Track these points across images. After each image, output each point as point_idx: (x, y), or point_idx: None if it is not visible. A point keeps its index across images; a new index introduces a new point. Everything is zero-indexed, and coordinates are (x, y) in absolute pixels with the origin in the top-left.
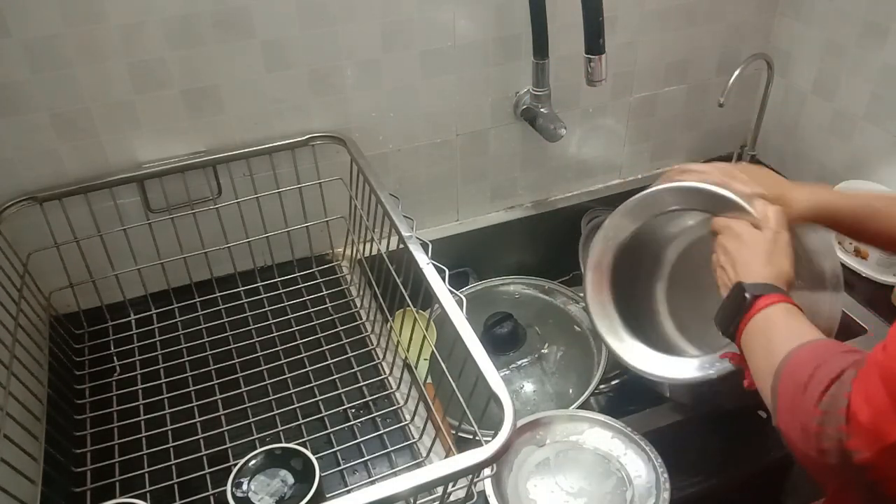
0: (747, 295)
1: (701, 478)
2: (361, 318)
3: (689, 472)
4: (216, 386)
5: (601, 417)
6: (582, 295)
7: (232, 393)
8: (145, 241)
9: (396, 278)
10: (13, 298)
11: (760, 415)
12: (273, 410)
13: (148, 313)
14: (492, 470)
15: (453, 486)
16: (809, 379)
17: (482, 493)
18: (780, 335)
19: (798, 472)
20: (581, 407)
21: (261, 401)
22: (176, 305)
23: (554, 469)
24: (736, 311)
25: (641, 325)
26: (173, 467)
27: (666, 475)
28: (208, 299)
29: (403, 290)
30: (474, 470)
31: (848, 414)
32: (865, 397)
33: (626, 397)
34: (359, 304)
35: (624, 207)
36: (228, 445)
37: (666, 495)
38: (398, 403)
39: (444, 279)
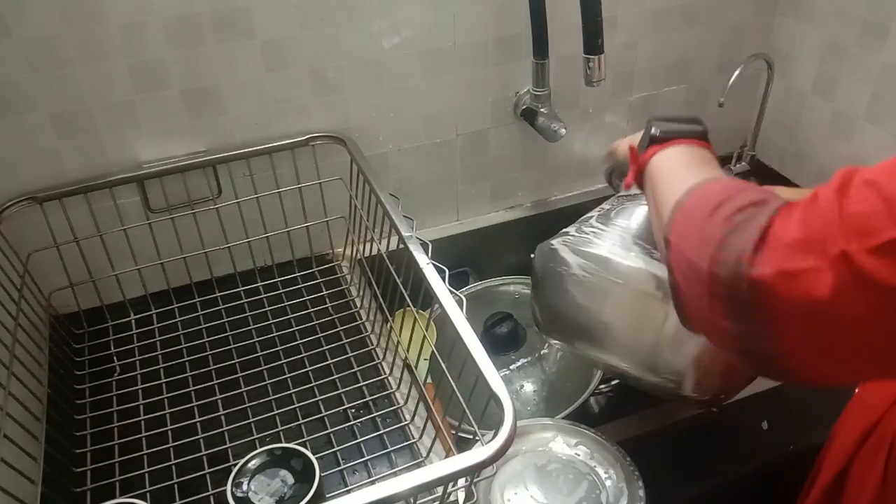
0: (656, 132)
1: (682, 483)
2: (361, 318)
3: (670, 477)
4: (216, 386)
5: (566, 424)
6: None
7: (232, 393)
8: (145, 241)
9: (396, 278)
10: (13, 298)
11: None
12: (273, 410)
13: (148, 313)
14: (492, 470)
15: (453, 486)
16: (725, 200)
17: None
18: (689, 172)
19: (777, 477)
20: (581, 407)
21: (261, 401)
22: (176, 305)
23: (527, 480)
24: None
25: None
26: (173, 467)
27: (637, 473)
28: (208, 299)
29: (403, 290)
30: (474, 470)
31: (765, 231)
32: (802, 221)
33: (626, 397)
34: (359, 304)
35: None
36: (228, 445)
37: (641, 493)
38: (398, 403)
39: (444, 279)
